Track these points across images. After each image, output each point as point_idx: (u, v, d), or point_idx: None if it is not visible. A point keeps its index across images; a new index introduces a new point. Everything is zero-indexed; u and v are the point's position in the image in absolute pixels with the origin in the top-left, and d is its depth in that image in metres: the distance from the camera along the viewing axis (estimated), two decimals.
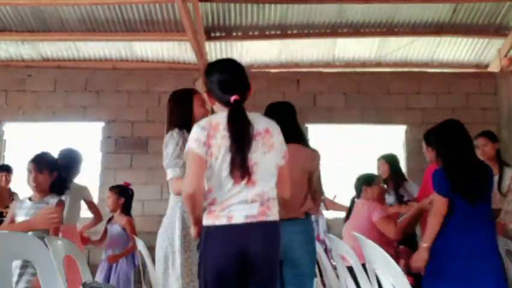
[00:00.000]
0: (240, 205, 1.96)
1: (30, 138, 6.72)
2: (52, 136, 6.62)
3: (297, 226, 2.73)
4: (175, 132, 2.65)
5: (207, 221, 1.99)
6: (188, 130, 2.65)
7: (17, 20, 5.81)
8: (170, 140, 2.63)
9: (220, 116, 2.05)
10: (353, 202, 3.87)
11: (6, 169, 5.29)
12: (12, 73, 6.53)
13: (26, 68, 6.56)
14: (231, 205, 1.96)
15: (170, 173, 2.57)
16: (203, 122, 2.06)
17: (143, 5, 5.52)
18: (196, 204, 2.00)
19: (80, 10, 5.62)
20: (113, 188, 4.64)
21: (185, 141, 2.57)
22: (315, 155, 2.91)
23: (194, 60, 6.35)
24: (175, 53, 6.45)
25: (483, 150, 3.99)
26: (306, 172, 2.83)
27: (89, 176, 5.81)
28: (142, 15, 5.72)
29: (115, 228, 4.48)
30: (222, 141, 1.98)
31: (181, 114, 2.76)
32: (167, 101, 2.87)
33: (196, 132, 2.02)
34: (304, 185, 2.81)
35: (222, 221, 1.95)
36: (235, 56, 6.53)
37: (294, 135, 2.80)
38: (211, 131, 2.01)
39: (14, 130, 6.65)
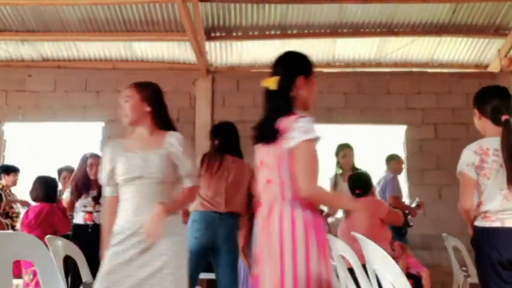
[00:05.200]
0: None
1: (30, 138, 6.72)
2: (52, 136, 6.63)
3: None
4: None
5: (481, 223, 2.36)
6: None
7: (17, 20, 5.81)
8: (191, 149, 2.58)
9: (489, 140, 2.41)
10: None
11: (13, 170, 5.33)
12: (12, 73, 6.53)
13: (26, 68, 6.55)
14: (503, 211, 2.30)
15: (196, 182, 2.53)
16: (473, 146, 2.43)
17: (143, 5, 5.52)
18: (467, 217, 2.44)
19: (80, 10, 5.62)
20: None
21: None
22: None
23: (194, 60, 6.35)
24: (175, 53, 6.45)
25: (343, 161, 4.75)
26: None
27: None
28: (142, 15, 5.72)
29: None
30: (492, 164, 2.34)
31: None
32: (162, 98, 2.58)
33: (469, 156, 2.41)
34: None
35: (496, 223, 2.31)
36: (235, 56, 6.53)
37: None
38: (483, 155, 2.38)
39: (14, 130, 6.65)
